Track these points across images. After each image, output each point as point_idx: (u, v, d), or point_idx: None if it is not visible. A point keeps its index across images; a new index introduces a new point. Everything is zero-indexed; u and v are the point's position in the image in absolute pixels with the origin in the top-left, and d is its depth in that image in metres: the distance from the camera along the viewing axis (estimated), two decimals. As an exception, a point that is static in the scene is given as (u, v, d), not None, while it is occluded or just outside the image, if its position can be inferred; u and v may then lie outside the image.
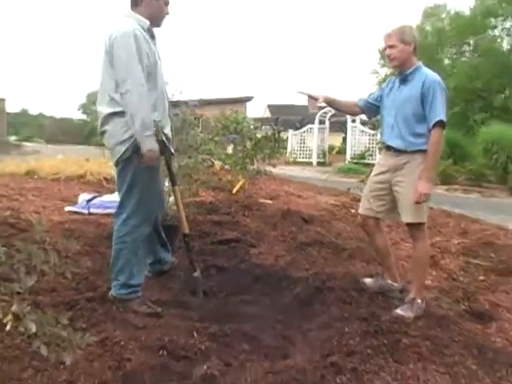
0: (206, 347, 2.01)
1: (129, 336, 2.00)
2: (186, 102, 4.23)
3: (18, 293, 1.41)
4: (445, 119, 2.47)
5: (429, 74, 2.56)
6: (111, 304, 2.32)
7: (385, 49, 2.65)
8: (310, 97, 3.00)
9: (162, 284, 2.79)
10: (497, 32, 19.80)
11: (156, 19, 2.46)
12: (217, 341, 2.10)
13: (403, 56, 2.57)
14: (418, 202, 2.49)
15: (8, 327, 1.38)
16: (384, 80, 20.56)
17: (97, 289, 2.50)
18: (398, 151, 2.60)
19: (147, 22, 2.40)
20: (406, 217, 2.58)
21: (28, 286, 1.43)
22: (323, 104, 2.99)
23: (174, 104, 2.66)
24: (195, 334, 2.11)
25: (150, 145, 2.27)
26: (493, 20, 19.34)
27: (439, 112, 2.46)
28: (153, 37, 2.46)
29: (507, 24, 19.42)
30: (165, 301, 2.54)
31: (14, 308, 1.37)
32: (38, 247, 1.49)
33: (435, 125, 2.46)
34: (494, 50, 18.70)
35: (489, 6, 19.11)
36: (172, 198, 3.34)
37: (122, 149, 2.33)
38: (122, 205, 2.43)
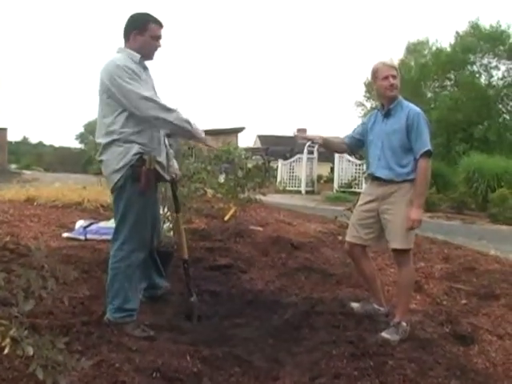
0: (199, 370, 2.04)
1: (123, 358, 2.02)
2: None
3: (16, 317, 1.48)
4: (431, 149, 2.59)
5: (411, 107, 2.67)
6: (106, 327, 2.34)
7: (386, 78, 2.67)
8: (309, 139, 3.18)
9: (155, 308, 2.80)
10: (475, 68, 20.65)
11: (145, 53, 2.53)
12: (209, 363, 2.12)
13: (399, 88, 2.70)
14: (411, 228, 2.57)
15: (6, 350, 1.43)
16: (369, 112, 21.13)
17: (92, 313, 2.52)
18: (386, 181, 2.67)
19: (138, 56, 2.49)
20: (395, 243, 2.64)
21: (26, 310, 1.49)
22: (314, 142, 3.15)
23: (169, 135, 2.75)
24: (188, 356, 2.13)
25: (200, 134, 2.49)
26: (472, 56, 20.19)
27: (426, 142, 2.57)
28: (145, 68, 2.55)
29: (485, 60, 20.31)
30: (158, 325, 2.55)
31: (12, 332, 1.43)
32: (37, 273, 1.55)
33: (422, 154, 2.56)
34: (473, 85, 19.47)
35: (468, 43, 19.99)
36: (166, 225, 3.42)
37: (117, 177, 2.40)
38: (117, 231, 2.48)
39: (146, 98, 2.34)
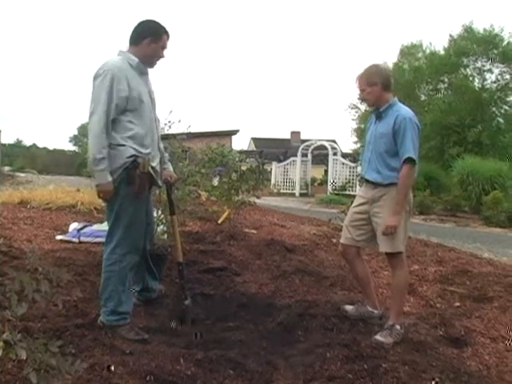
0: (192, 373, 2.03)
1: (117, 361, 2.01)
2: (174, 136, 4.36)
3: (9, 320, 1.46)
4: (414, 156, 2.55)
5: (401, 111, 2.63)
6: (100, 330, 2.33)
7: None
8: None
9: (149, 311, 2.80)
10: (469, 71, 20.83)
11: (150, 60, 2.54)
12: (202, 366, 2.11)
13: (373, 97, 2.69)
14: (384, 234, 2.59)
15: (-1, 354, 1.42)
16: (364, 114, 21.26)
17: (86, 315, 2.51)
18: (375, 184, 2.69)
19: (136, 60, 2.47)
20: (383, 247, 2.65)
21: (19, 314, 1.48)
22: None
23: (164, 137, 2.74)
24: (181, 359, 2.12)
25: (98, 180, 2.36)
26: (465, 59, 20.38)
27: (409, 149, 2.54)
28: (142, 74, 2.53)
29: (478, 63, 20.50)
30: (152, 328, 2.55)
31: (5, 336, 1.42)
32: (30, 276, 1.54)
33: (405, 161, 2.56)
34: (466, 88, 19.63)
35: (461, 47, 20.19)
36: (160, 228, 3.41)
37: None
38: (110, 234, 2.48)
39: (98, 126, 2.31)
